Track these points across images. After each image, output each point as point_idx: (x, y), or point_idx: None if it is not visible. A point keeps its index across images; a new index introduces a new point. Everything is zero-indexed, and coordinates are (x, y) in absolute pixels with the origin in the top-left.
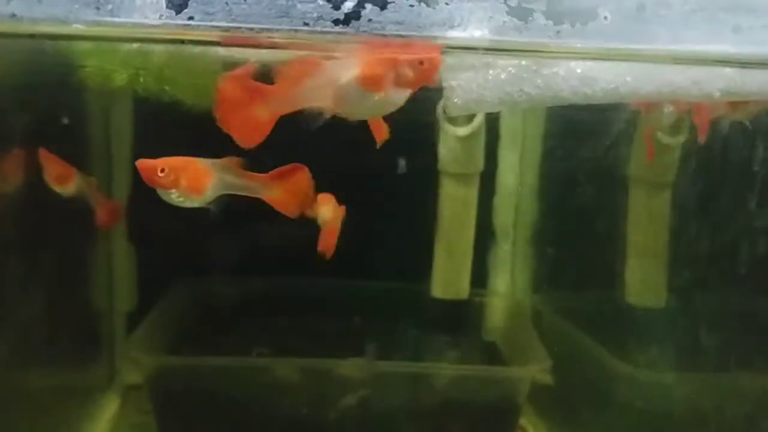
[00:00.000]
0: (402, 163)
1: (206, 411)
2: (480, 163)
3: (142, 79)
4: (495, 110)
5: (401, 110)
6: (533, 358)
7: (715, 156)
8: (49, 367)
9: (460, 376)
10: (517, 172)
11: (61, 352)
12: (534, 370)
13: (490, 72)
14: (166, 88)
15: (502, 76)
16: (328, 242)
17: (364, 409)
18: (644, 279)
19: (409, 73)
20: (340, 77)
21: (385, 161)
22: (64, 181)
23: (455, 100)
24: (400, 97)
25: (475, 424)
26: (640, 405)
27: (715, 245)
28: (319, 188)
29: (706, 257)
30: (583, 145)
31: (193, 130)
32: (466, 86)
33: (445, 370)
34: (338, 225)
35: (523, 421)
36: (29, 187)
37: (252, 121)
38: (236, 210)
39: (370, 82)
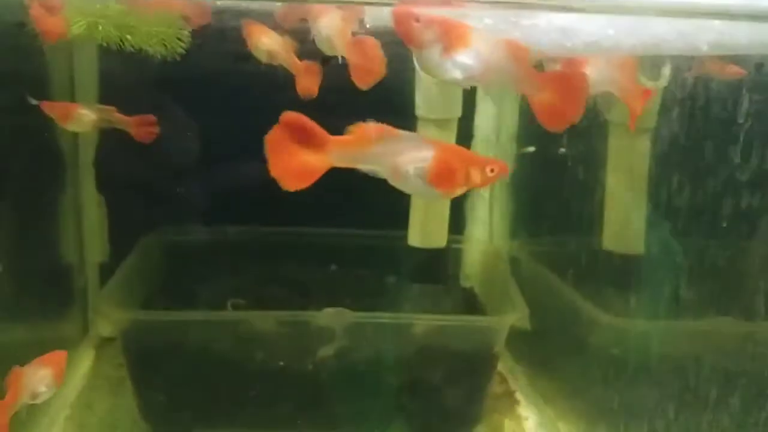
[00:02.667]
0: None
1: (181, 365)
2: (458, 109)
3: (101, 28)
4: None
5: None
6: (510, 306)
7: (698, 103)
8: (19, 321)
9: (437, 326)
10: (495, 117)
11: (32, 305)
12: (511, 318)
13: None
14: (128, 36)
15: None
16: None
17: (341, 360)
18: (622, 225)
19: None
20: None
21: (363, 108)
22: (68, 118)
23: None
24: None
25: (452, 373)
26: (617, 352)
27: (695, 192)
28: None
29: (684, 204)
30: None
31: (158, 78)
32: None
33: (423, 320)
34: None
35: (500, 367)
36: None
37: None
38: (211, 156)
39: None
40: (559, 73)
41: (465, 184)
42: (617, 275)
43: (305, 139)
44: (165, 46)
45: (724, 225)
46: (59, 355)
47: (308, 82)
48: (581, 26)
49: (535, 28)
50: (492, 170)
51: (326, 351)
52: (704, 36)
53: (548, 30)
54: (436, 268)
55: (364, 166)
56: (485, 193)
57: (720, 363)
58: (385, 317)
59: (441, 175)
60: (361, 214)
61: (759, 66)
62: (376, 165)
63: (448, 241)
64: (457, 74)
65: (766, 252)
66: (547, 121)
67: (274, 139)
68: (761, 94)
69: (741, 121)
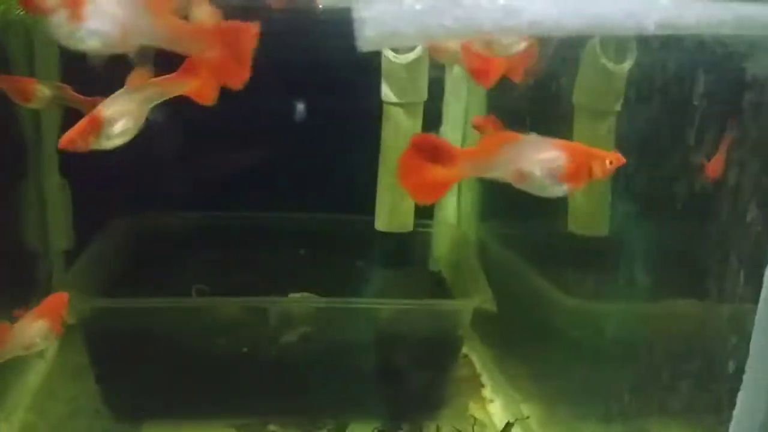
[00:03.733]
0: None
1: (143, 352)
2: (424, 92)
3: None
4: (411, 44)
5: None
6: (475, 289)
7: (663, 85)
8: None
9: (400, 310)
10: (464, 100)
11: None
12: (473, 302)
13: (406, 2)
14: None
15: (418, 7)
16: None
17: (305, 345)
18: (587, 208)
19: None
20: None
21: (328, 92)
22: (22, 93)
23: (367, 33)
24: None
25: (416, 357)
26: (580, 335)
27: (658, 175)
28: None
29: (649, 187)
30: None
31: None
32: (380, 18)
33: (385, 304)
34: None
35: (467, 350)
36: None
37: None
38: (177, 139)
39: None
40: (223, 27)
41: (589, 178)
42: (582, 258)
43: (435, 156)
44: None
45: (686, 208)
46: (56, 301)
47: None
48: (525, 5)
49: (478, 7)
50: (611, 162)
51: (290, 337)
52: (652, 15)
53: (491, 9)
54: (404, 252)
55: (490, 174)
56: None
57: (679, 346)
58: (347, 302)
59: (571, 173)
60: (328, 198)
61: None
62: (502, 172)
63: (417, 225)
64: (96, 43)
65: (725, 235)
66: (222, 79)
67: (406, 160)
68: None
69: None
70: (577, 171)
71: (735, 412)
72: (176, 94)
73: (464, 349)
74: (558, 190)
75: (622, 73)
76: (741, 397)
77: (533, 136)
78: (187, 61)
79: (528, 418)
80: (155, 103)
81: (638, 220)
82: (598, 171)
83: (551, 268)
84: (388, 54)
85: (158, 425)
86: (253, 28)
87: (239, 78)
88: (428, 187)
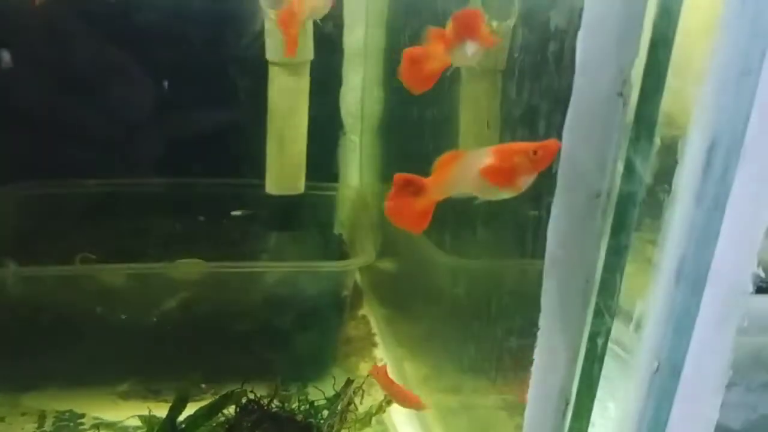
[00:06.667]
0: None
1: (20, 323)
2: (309, 51)
3: None
4: None
5: None
6: (360, 251)
7: (546, 43)
8: None
9: (285, 273)
10: (361, 60)
11: None
12: (355, 263)
13: None
14: None
15: None
16: None
17: (186, 311)
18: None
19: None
20: None
21: (211, 54)
22: None
23: None
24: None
25: (301, 319)
26: (453, 292)
27: (534, 132)
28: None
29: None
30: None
31: None
32: None
33: (267, 267)
34: None
35: (365, 310)
36: None
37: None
38: (63, 104)
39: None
40: None
41: (519, 174)
42: (461, 217)
43: (412, 190)
44: None
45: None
46: None
47: None
48: None
49: None
50: (535, 152)
51: (169, 303)
52: None
53: None
54: (309, 215)
55: (457, 192)
56: (356, 137)
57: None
58: (227, 266)
59: (492, 174)
60: (218, 163)
61: None
62: (463, 188)
63: (318, 188)
64: None
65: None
66: None
67: (391, 199)
68: None
69: None
70: (500, 171)
71: (533, 368)
72: None
73: (363, 310)
74: (498, 193)
75: (507, 31)
76: (537, 353)
77: (478, 150)
78: None
79: (368, 376)
80: None
81: None
82: (525, 165)
83: (438, 228)
84: (269, 11)
85: (38, 396)
86: None
87: None
88: (413, 218)
